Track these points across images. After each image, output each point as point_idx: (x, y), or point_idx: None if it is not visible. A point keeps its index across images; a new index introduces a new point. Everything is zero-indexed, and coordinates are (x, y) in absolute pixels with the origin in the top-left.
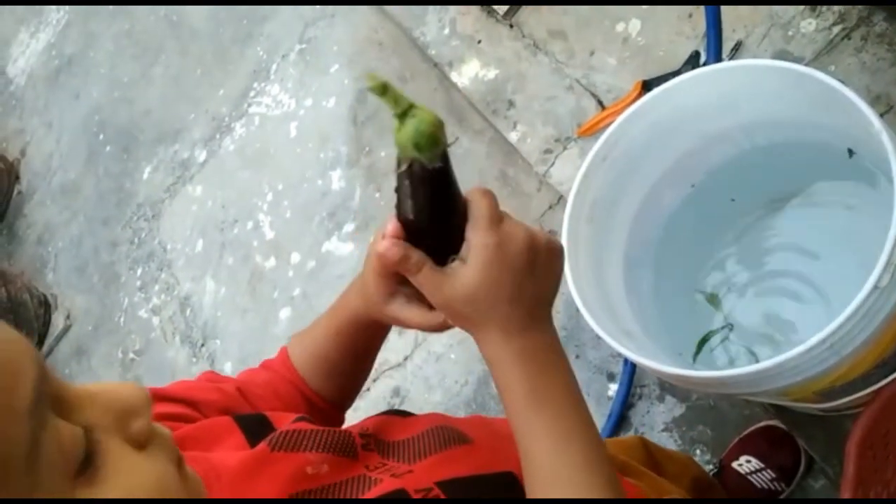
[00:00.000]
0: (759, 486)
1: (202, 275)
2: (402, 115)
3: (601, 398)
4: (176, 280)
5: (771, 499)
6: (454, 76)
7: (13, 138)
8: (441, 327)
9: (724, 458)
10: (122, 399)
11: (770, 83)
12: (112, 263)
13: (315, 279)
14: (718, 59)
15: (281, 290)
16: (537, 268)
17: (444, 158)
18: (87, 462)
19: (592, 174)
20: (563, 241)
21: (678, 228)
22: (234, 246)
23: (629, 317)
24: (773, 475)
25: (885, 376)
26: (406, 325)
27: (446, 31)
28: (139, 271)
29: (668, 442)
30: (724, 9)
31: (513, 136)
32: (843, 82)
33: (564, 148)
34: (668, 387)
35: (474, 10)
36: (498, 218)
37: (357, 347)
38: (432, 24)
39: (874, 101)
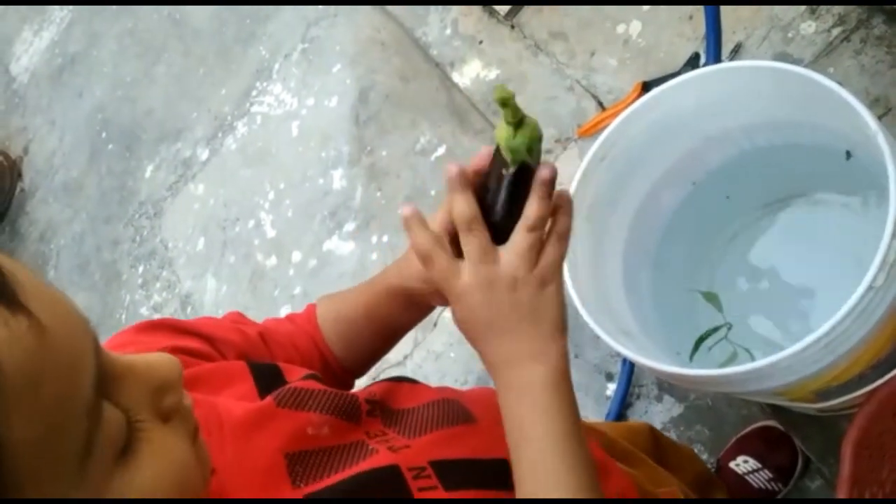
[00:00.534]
0: (756, 486)
1: (203, 273)
2: (518, 124)
3: (599, 398)
4: (177, 278)
5: (768, 499)
6: (455, 76)
7: (16, 136)
8: None
9: (721, 457)
10: (159, 375)
11: (769, 85)
12: (114, 261)
13: (316, 278)
14: (718, 60)
15: (282, 289)
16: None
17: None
18: (126, 447)
19: (591, 174)
20: None
21: (677, 228)
22: (236, 244)
23: (628, 316)
24: (770, 475)
25: (881, 377)
26: (435, 297)
27: (448, 31)
28: (141, 269)
29: None
30: (725, 10)
31: None
32: (841, 84)
33: (565, 148)
34: (667, 386)
35: (476, 10)
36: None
37: (383, 317)
38: (434, 24)
39: (873, 103)
